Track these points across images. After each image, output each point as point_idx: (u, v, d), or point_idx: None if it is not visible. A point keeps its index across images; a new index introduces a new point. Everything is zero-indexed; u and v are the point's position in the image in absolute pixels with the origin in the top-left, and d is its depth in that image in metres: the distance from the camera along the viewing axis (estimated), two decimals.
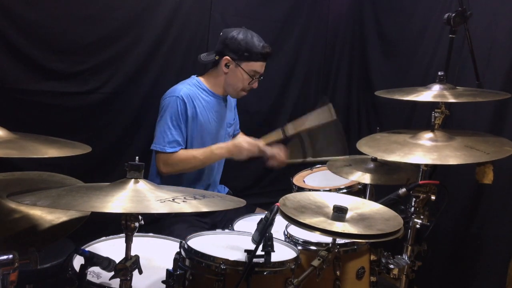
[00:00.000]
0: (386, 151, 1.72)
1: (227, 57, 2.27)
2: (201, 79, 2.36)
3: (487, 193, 2.40)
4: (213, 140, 2.36)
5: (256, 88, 2.39)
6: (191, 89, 2.28)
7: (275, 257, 1.45)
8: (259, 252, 1.40)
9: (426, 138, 1.74)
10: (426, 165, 1.75)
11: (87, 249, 1.40)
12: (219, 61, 2.31)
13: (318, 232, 1.38)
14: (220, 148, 2.26)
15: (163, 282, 1.40)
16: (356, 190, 2.16)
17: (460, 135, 1.77)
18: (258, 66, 2.30)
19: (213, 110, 2.35)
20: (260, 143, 2.29)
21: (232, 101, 2.54)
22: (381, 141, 1.85)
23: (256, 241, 1.41)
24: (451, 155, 1.62)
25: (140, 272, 1.31)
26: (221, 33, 2.34)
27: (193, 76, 2.39)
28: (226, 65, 2.29)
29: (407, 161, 1.65)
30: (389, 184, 1.95)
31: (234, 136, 2.65)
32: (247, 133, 2.78)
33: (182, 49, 2.67)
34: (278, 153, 2.39)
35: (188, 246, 1.52)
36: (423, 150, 1.68)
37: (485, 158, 1.62)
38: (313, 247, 1.68)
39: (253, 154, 2.27)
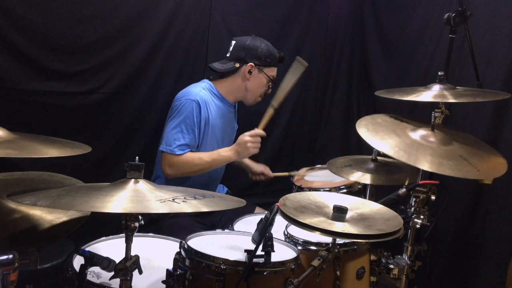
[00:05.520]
0: (382, 140, 1.69)
1: (251, 63, 2.29)
2: (214, 84, 2.36)
3: (487, 193, 2.40)
4: (219, 146, 2.36)
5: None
6: (206, 93, 2.28)
7: (275, 257, 1.45)
8: (259, 252, 1.40)
9: (424, 136, 1.72)
10: None
11: (87, 249, 1.41)
12: (239, 69, 2.32)
13: (318, 232, 1.38)
14: (227, 150, 2.24)
15: (163, 282, 1.40)
16: (356, 190, 2.16)
17: (458, 141, 1.74)
18: (275, 71, 2.37)
19: (223, 117, 2.35)
20: (258, 130, 2.24)
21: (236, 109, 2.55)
22: (380, 126, 1.81)
23: (256, 241, 1.41)
24: (443, 162, 1.58)
25: (140, 272, 1.30)
26: (234, 42, 2.36)
27: (205, 79, 2.39)
28: (249, 72, 2.30)
29: (398, 158, 1.61)
30: (389, 184, 1.95)
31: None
32: None
33: (182, 49, 2.67)
34: (265, 169, 2.63)
35: (188, 246, 1.52)
36: (418, 151, 1.64)
37: (473, 175, 1.59)
38: (313, 247, 1.68)
39: (257, 145, 2.22)
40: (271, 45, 2.37)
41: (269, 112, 2.29)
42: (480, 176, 1.61)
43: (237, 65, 2.31)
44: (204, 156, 2.22)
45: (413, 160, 1.59)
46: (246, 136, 2.19)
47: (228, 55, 2.37)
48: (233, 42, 2.37)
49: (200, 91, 2.26)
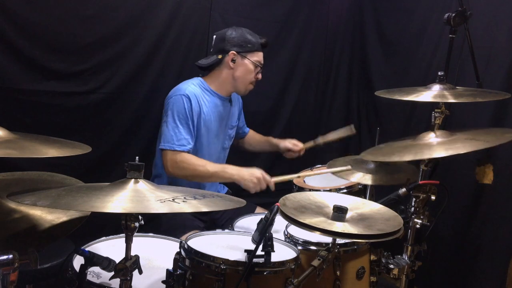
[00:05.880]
0: (387, 155, 1.75)
1: (232, 52, 2.30)
2: (204, 79, 2.37)
3: (487, 193, 2.40)
4: (214, 141, 2.36)
5: (257, 87, 2.41)
6: (196, 88, 2.28)
7: (275, 257, 1.46)
8: (259, 252, 1.40)
9: (428, 137, 1.74)
10: (426, 165, 1.75)
11: (87, 249, 1.40)
12: (222, 60, 2.32)
13: (318, 232, 1.38)
14: (233, 169, 2.19)
15: (163, 282, 1.40)
16: (356, 190, 2.16)
17: (461, 131, 1.77)
18: (261, 56, 2.37)
19: (217, 111, 2.35)
20: (271, 181, 2.19)
21: (237, 103, 2.54)
22: (384, 149, 1.88)
23: (256, 241, 1.41)
24: (450, 147, 1.63)
25: (140, 272, 1.31)
26: (215, 36, 2.38)
27: (195, 77, 2.39)
28: (233, 60, 2.30)
29: (405, 159, 1.65)
30: (389, 184, 1.95)
31: (239, 138, 2.67)
32: None
33: (182, 49, 2.67)
34: (293, 144, 2.57)
35: (188, 246, 1.53)
36: (424, 148, 1.68)
37: (483, 146, 1.61)
38: (313, 247, 1.68)
39: (260, 188, 2.17)
40: (252, 32, 2.37)
41: (292, 176, 2.29)
42: (491, 144, 1.61)
43: (220, 56, 2.32)
44: (209, 166, 2.19)
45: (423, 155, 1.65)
46: (259, 174, 2.14)
47: (211, 50, 2.39)
48: (214, 37, 2.39)
49: (189, 86, 2.27)
